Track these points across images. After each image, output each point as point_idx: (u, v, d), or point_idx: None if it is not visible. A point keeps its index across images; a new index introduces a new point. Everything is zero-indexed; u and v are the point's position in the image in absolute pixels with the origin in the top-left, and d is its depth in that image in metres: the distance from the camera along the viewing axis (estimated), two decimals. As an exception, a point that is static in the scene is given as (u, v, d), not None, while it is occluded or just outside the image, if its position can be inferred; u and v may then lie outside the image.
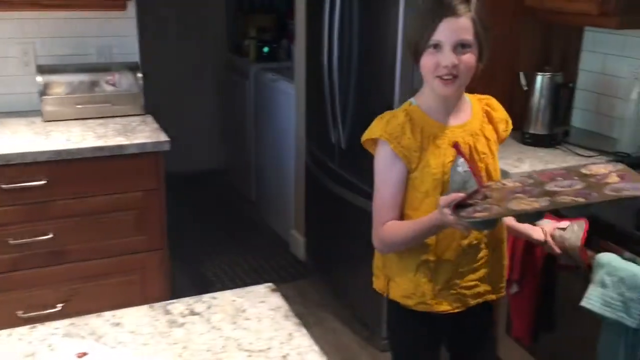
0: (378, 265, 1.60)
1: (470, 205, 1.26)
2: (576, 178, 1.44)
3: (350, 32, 2.61)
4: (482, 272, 1.51)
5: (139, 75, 2.70)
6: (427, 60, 1.39)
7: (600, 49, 2.48)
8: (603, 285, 1.47)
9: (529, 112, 2.32)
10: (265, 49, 4.20)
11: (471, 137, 1.47)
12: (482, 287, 1.52)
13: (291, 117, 3.48)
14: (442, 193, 1.40)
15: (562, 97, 2.32)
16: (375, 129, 1.46)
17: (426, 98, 1.47)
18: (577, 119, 2.61)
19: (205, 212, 4.28)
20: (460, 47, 1.37)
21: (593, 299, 1.51)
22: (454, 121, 1.47)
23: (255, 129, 4.16)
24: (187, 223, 4.06)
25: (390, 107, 2.37)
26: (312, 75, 3.01)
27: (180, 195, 4.51)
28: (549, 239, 1.59)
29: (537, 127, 2.31)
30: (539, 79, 2.30)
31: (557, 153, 2.25)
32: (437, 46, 1.37)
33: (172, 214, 4.00)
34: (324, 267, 3.24)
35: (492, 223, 1.30)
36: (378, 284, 1.62)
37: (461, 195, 1.28)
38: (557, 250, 1.59)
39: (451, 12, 1.36)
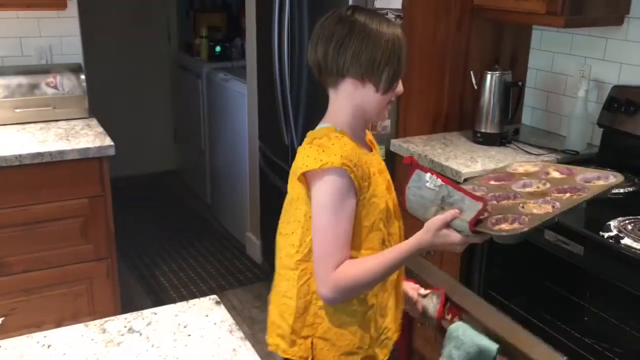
0: (295, 329, 1.34)
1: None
2: (525, 178, 1.44)
3: (300, 31, 2.57)
4: (400, 303, 1.46)
5: (82, 76, 2.60)
6: (388, 94, 1.30)
7: (548, 48, 2.50)
8: (450, 356, 1.45)
9: (480, 111, 2.33)
10: (218, 48, 4.13)
11: (383, 167, 1.41)
12: (398, 320, 1.46)
13: (244, 118, 3.42)
14: (386, 224, 1.33)
15: (511, 96, 2.33)
16: (330, 157, 1.22)
17: (350, 126, 1.32)
18: (527, 117, 2.63)
19: (159, 216, 4.18)
20: None
21: None
22: (366, 149, 1.36)
23: (208, 130, 4.08)
24: (140, 228, 3.95)
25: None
26: (264, 75, 2.96)
27: (133, 199, 4.40)
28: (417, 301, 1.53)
29: (488, 126, 2.32)
30: (488, 78, 2.30)
31: (508, 151, 2.26)
32: None
33: (124, 219, 3.93)
34: (280, 270, 3.20)
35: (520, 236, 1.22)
36: (297, 351, 1.35)
37: (455, 212, 1.21)
38: (418, 315, 1.53)
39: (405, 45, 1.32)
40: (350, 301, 1.31)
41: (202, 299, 1.26)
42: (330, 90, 1.33)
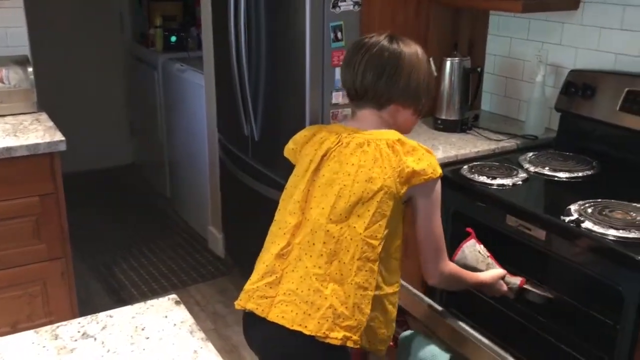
0: (371, 317, 1.37)
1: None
2: None
3: (257, 20, 2.51)
4: None
5: (30, 69, 2.48)
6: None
7: (505, 33, 2.51)
8: None
9: (440, 98, 2.32)
10: (173, 38, 4.02)
11: None
12: None
13: (202, 109, 3.34)
14: None
15: (471, 82, 2.33)
16: (438, 165, 1.43)
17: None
18: (487, 103, 2.64)
19: (117, 212, 4.06)
20: None
21: None
22: None
23: (166, 122, 3.98)
24: (98, 225, 3.84)
25: (302, 95, 2.32)
26: (222, 66, 2.89)
27: (89, 195, 4.27)
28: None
29: (448, 113, 2.31)
30: (448, 64, 2.29)
31: (469, 138, 2.26)
32: None
33: (80, 216, 3.81)
34: (243, 263, 3.15)
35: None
36: (364, 340, 1.37)
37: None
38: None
39: None
40: (398, 294, 1.45)
41: (160, 299, 1.21)
42: (370, 107, 1.50)
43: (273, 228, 1.48)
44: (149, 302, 1.20)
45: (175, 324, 1.13)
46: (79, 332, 1.10)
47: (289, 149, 1.58)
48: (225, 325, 2.81)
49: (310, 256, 1.35)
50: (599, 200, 1.67)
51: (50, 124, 2.35)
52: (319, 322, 1.30)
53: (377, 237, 1.36)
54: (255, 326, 1.39)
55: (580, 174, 1.92)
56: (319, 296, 1.32)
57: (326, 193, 1.39)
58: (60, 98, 4.24)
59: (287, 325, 1.32)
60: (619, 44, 2.09)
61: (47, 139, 2.16)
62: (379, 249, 1.36)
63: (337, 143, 1.44)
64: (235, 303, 1.44)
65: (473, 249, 1.65)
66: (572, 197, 1.70)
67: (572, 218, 1.58)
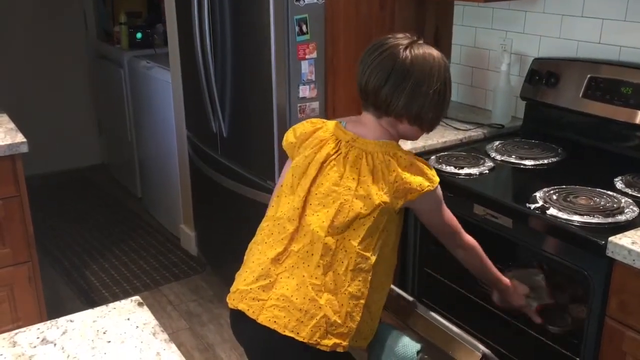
0: (360, 323, 1.38)
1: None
2: None
3: (221, 14, 2.48)
4: None
5: (-12, 70, 2.42)
6: None
7: (470, 23, 2.52)
8: (377, 357, 1.47)
9: (407, 89, 2.32)
10: (139, 35, 3.95)
11: None
12: None
13: (171, 107, 3.30)
14: None
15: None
16: (435, 175, 1.43)
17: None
18: (454, 93, 2.64)
19: (87, 213, 4.00)
20: None
21: None
22: None
23: (134, 121, 3.92)
24: (67, 227, 3.77)
25: (269, 90, 2.30)
26: (188, 62, 2.85)
27: (58, 197, 4.20)
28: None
29: (416, 104, 2.31)
30: (414, 55, 2.29)
31: (437, 128, 2.26)
32: None
33: (49, 219, 3.74)
34: (216, 261, 3.12)
35: None
36: (348, 343, 1.37)
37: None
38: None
39: None
40: (386, 297, 1.47)
41: (123, 301, 1.19)
42: (372, 112, 1.45)
43: (268, 227, 1.45)
44: (111, 305, 1.18)
45: (137, 326, 1.11)
46: (38, 338, 1.07)
47: (289, 143, 1.53)
48: (199, 323, 2.79)
49: (308, 266, 1.36)
50: (564, 186, 1.69)
51: (12, 125, 2.29)
52: (312, 330, 1.32)
53: (371, 249, 1.38)
54: (246, 324, 1.39)
55: (545, 161, 1.94)
56: (313, 305, 1.33)
57: (325, 204, 1.38)
58: (24, 99, 4.15)
59: (279, 330, 1.33)
60: (581, 31, 2.11)
61: (8, 141, 2.10)
62: (373, 259, 1.38)
63: (337, 151, 1.43)
64: (228, 301, 1.44)
65: (531, 274, 1.78)
66: (538, 184, 1.72)
67: (537, 205, 1.59)
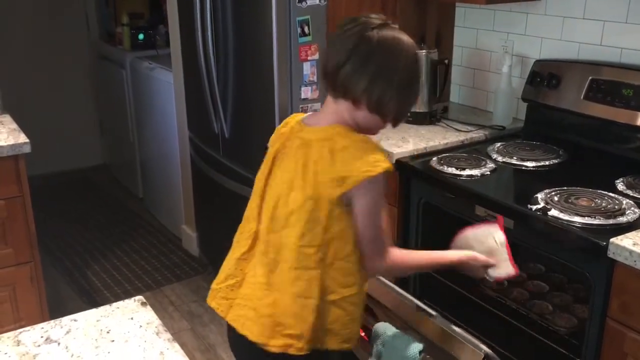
0: (316, 326, 1.31)
1: None
2: None
3: (224, 15, 2.48)
4: None
5: (-9, 71, 2.43)
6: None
7: (471, 25, 2.52)
8: (379, 357, 1.47)
9: (409, 91, 2.32)
10: (141, 36, 3.96)
11: None
12: None
13: (172, 107, 3.30)
14: None
15: (439, 74, 2.34)
16: (382, 160, 1.25)
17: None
18: (455, 94, 2.65)
19: (88, 213, 4.00)
20: None
21: None
22: None
23: (136, 121, 3.93)
24: (69, 228, 3.78)
25: (271, 91, 2.31)
26: (190, 63, 2.85)
27: (60, 197, 4.21)
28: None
29: (417, 105, 2.32)
30: (415, 56, 2.29)
31: (438, 130, 2.27)
32: None
33: (51, 219, 3.75)
34: (217, 262, 3.11)
35: None
36: (311, 346, 1.31)
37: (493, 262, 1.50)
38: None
39: None
40: (360, 293, 1.36)
41: (126, 301, 1.20)
42: (330, 94, 1.32)
43: (240, 226, 1.46)
44: (115, 304, 1.19)
45: (141, 326, 1.11)
46: (42, 337, 1.08)
47: (270, 146, 1.47)
48: (201, 324, 2.79)
49: (261, 265, 1.35)
50: (565, 188, 1.70)
51: (14, 126, 2.30)
52: (260, 329, 1.30)
53: (314, 245, 1.28)
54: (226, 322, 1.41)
55: (547, 163, 1.94)
56: (262, 304, 1.31)
57: (269, 201, 1.36)
58: (27, 100, 4.16)
59: (238, 329, 1.33)
60: (582, 33, 2.11)
61: (11, 142, 2.11)
62: (317, 256, 1.28)
63: (284, 146, 1.36)
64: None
65: (487, 236, 1.53)
66: (539, 186, 1.72)
67: (539, 206, 1.60)
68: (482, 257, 1.48)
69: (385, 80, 1.26)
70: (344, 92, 1.28)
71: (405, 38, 1.30)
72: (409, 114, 1.35)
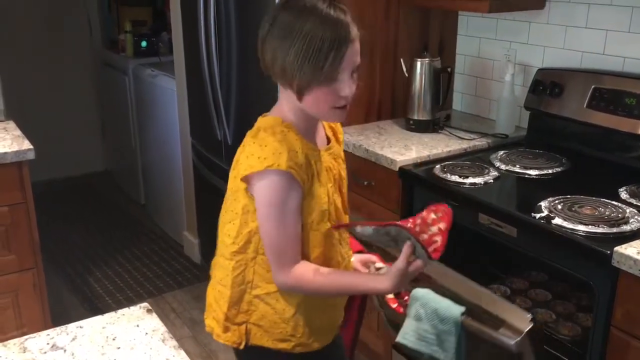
0: (229, 316, 1.35)
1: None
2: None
3: (227, 23, 2.50)
4: (344, 299, 1.47)
5: (-4, 77, 2.43)
6: (324, 94, 1.19)
7: (474, 33, 2.53)
8: (418, 318, 1.46)
9: (411, 99, 2.33)
10: (144, 43, 3.98)
11: (336, 162, 1.36)
12: (341, 315, 1.48)
13: (175, 114, 3.31)
14: (326, 225, 1.30)
15: (441, 82, 2.35)
16: (276, 157, 1.18)
17: (296, 118, 1.26)
18: (458, 102, 2.66)
19: (90, 220, 4.01)
20: (354, 72, 1.22)
21: (408, 334, 1.47)
22: (320, 143, 1.33)
23: (138, 128, 3.94)
24: (71, 234, 3.78)
25: (274, 97, 2.30)
26: (193, 70, 2.87)
27: (62, 203, 4.21)
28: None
29: (420, 113, 2.33)
30: (418, 65, 2.30)
31: (441, 138, 2.28)
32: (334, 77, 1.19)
33: (53, 225, 3.75)
34: (220, 268, 3.13)
35: None
36: (230, 337, 1.36)
37: (409, 245, 1.23)
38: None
39: (353, 38, 1.18)
40: (287, 294, 1.32)
41: (132, 307, 1.20)
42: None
43: None
44: (120, 311, 1.19)
45: (147, 333, 1.11)
46: (48, 344, 1.08)
47: None
48: (202, 331, 2.78)
49: None
50: (569, 196, 1.70)
51: (18, 132, 2.30)
52: (210, 325, 1.41)
53: (230, 236, 1.30)
54: None
55: (550, 171, 1.95)
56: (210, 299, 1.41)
57: None
58: (30, 107, 4.17)
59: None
60: (585, 42, 2.12)
61: (15, 148, 2.12)
62: (233, 247, 1.30)
63: None
64: None
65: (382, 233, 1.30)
66: (543, 194, 1.73)
67: (542, 215, 1.60)
68: (401, 262, 1.23)
69: (284, 48, 1.16)
70: (265, 71, 1.24)
71: (319, 4, 1.17)
72: (318, 83, 1.18)
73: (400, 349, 1.51)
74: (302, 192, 1.24)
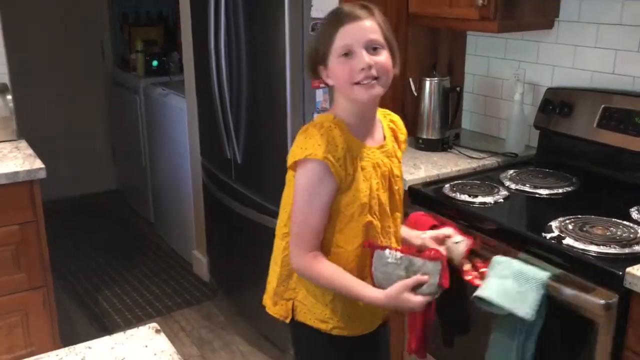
0: (278, 291, 1.50)
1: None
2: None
3: (237, 44, 2.52)
4: None
5: (9, 97, 2.47)
6: (339, 70, 1.33)
7: (483, 53, 2.54)
8: (503, 277, 1.49)
9: (421, 118, 2.34)
10: (155, 63, 4.02)
11: (388, 160, 1.45)
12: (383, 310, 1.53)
13: (185, 133, 3.34)
14: (367, 218, 1.39)
15: (450, 101, 2.36)
16: (315, 148, 1.31)
17: (345, 114, 1.38)
18: (467, 121, 2.66)
19: (100, 238, 4.02)
20: (372, 49, 1.33)
21: (491, 289, 1.50)
22: (371, 141, 1.43)
23: (149, 147, 3.97)
24: (81, 252, 3.79)
25: (283, 117, 2.33)
26: (203, 89, 2.89)
27: (72, 222, 4.23)
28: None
29: (429, 132, 2.33)
30: (427, 84, 2.32)
31: (450, 156, 2.28)
32: (347, 54, 1.32)
33: (63, 244, 3.77)
34: (228, 287, 3.12)
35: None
36: (278, 310, 1.51)
37: (420, 278, 1.37)
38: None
39: (353, 17, 1.33)
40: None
41: (140, 328, 1.19)
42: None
43: None
44: (129, 331, 1.19)
45: (155, 354, 1.11)
46: (56, 364, 1.08)
47: None
48: (211, 350, 2.78)
49: None
50: (579, 216, 1.69)
51: (30, 151, 2.33)
52: (264, 299, 1.56)
53: (282, 219, 1.46)
54: None
55: (560, 191, 1.94)
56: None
57: None
58: (42, 125, 4.21)
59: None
60: (594, 61, 2.13)
61: (27, 167, 2.14)
62: (284, 230, 1.45)
63: None
64: None
65: (381, 262, 1.40)
66: (553, 214, 1.71)
67: (553, 235, 1.59)
68: (400, 284, 1.36)
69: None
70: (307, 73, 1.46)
71: (371, 8, 1.37)
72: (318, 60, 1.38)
73: (478, 304, 1.52)
74: (336, 185, 1.34)
